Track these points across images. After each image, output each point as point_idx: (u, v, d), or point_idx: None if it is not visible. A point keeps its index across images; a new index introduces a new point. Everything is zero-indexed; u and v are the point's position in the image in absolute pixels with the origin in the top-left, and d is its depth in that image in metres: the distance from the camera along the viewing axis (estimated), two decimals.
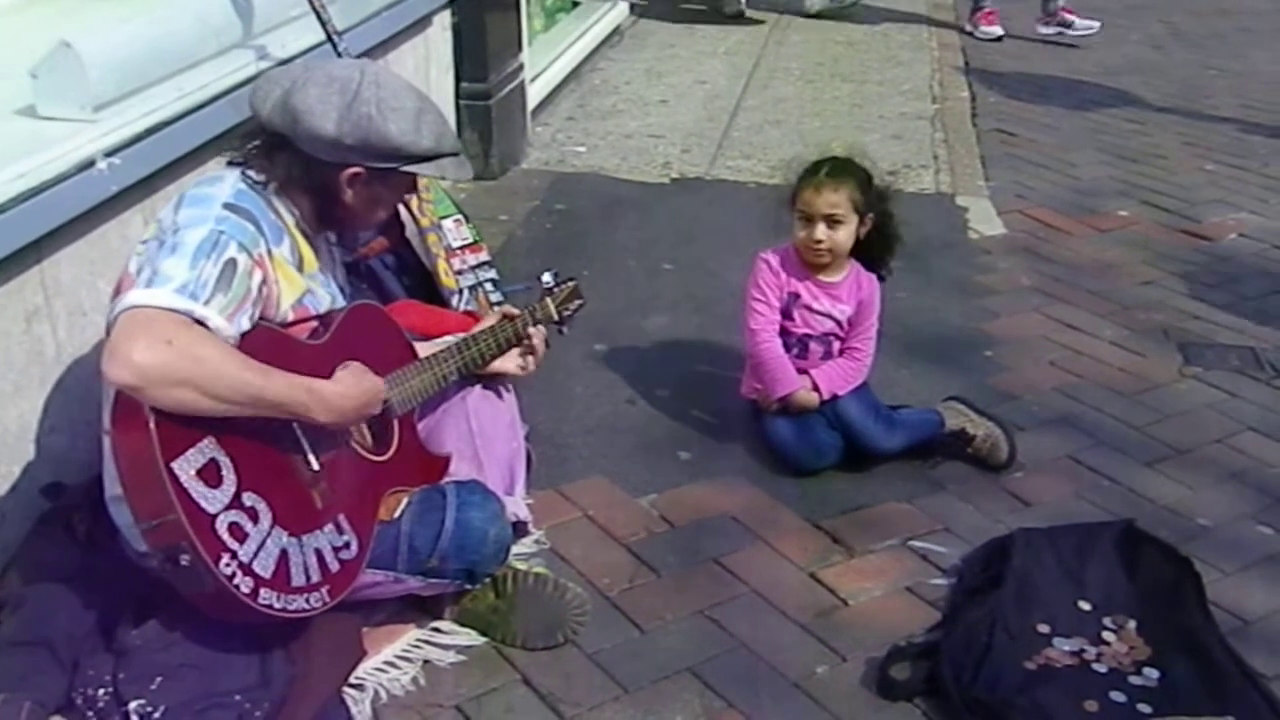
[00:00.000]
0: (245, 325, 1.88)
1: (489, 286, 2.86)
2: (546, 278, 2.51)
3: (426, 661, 2.16)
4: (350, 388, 1.99)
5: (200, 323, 1.79)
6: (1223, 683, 2.12)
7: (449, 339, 2.30)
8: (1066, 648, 2.21)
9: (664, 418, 2.96)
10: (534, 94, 4.77)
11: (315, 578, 1.92)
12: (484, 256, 2.88)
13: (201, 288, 1.81)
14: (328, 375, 1.99)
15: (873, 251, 2.82)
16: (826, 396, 2.77)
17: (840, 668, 2.19)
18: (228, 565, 1.80)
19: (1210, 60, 6.35)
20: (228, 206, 1.92)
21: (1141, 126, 5.26)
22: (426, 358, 2.21)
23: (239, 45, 2.79)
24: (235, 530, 1.82)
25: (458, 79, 4.19)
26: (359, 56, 2.75)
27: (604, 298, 3.38)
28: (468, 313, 2.70)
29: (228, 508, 1.82)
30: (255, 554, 1.84)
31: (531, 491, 2.50)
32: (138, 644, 1.94)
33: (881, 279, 2.87)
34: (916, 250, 2.98)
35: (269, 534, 1.87)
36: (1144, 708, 2.08)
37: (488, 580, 2.20)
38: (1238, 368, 3.29)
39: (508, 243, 3.84)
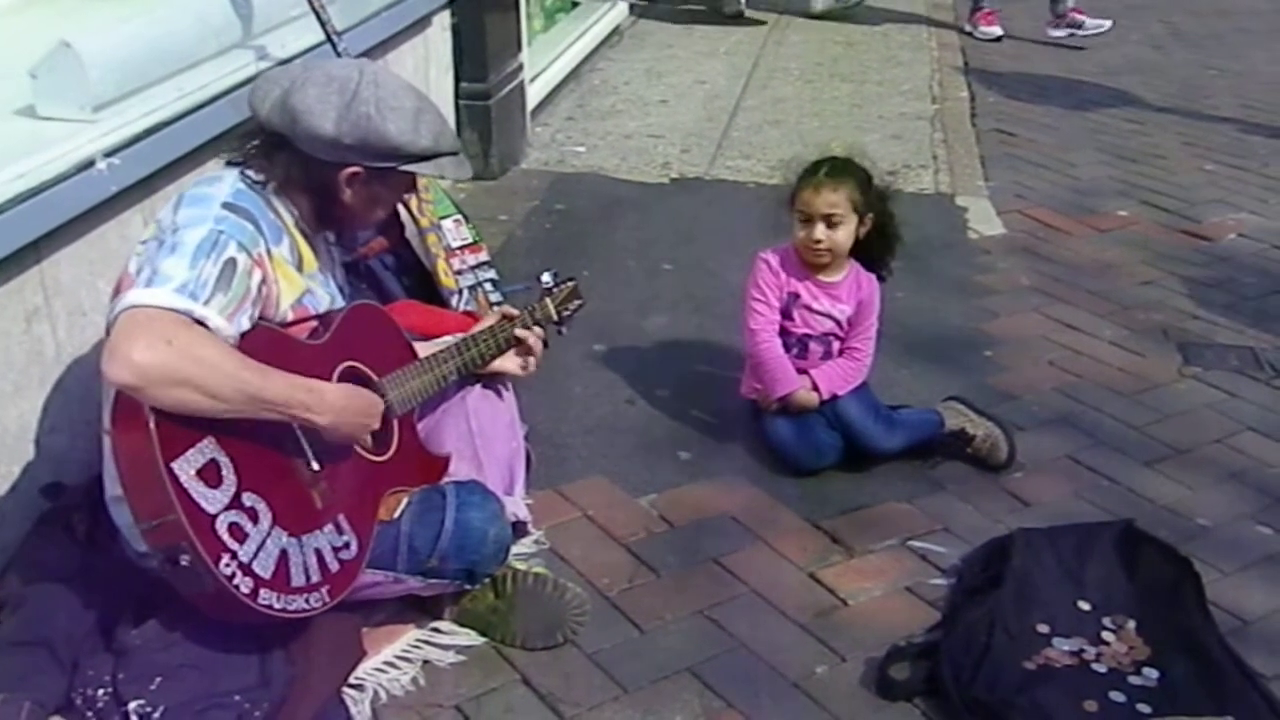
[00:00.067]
0: (245, 325, 1.88)
1: (488, 287, 2.86)
2: (546, 278, 2.51)
3: (426, 662, 2.16)
4: (351, 393, 1.99)
5: (200, 322, 1.79)
6: (1222, 683, 2.12)
7: (448, 339, 2.30)
8: (1066, 648, 2.21)
9: (663, 418, 2.96)
10: (533, 94, 4.78)
11: (315, 578, 1.92)
12: (483, 256, 2.88)
13: (201, 287, 1.81)
14: (327, 375, 1.99)
15: (873, 251, 2.82)
16: (826, 396, 2.77)
17: (840, 668, 2.20)
18: (227, 565, 1.80)
19: (1210, 60, 6.35)
20: (227, 206, 1.92)
21: (1141, 126, 5.26)
22: (426, 358, 2.21)
23: (239, 45, 2.79)
24: (235, 530, 1.82)
25: (457, 79, 4.19)
26: (358, 56, 2.75)
27: (603, 298, 3.38)
28: (467, 313, 2.70)
29: (227, 508, 1.82)
30: (255, 554, 1.84)
31: (531, 491, 2.50)
32: (137, 644, 1.94)
33: (881, 279, 2.87)
34: (916, 250, 2.98)
35: (269, 534, 1.87)
36: (1143, 708, 2.08)
37: (487, 580, 2.20)
38: (1237, 368, 3.29)
39: (507, 243, 3.84)
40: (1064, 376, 3.23)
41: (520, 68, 4.52)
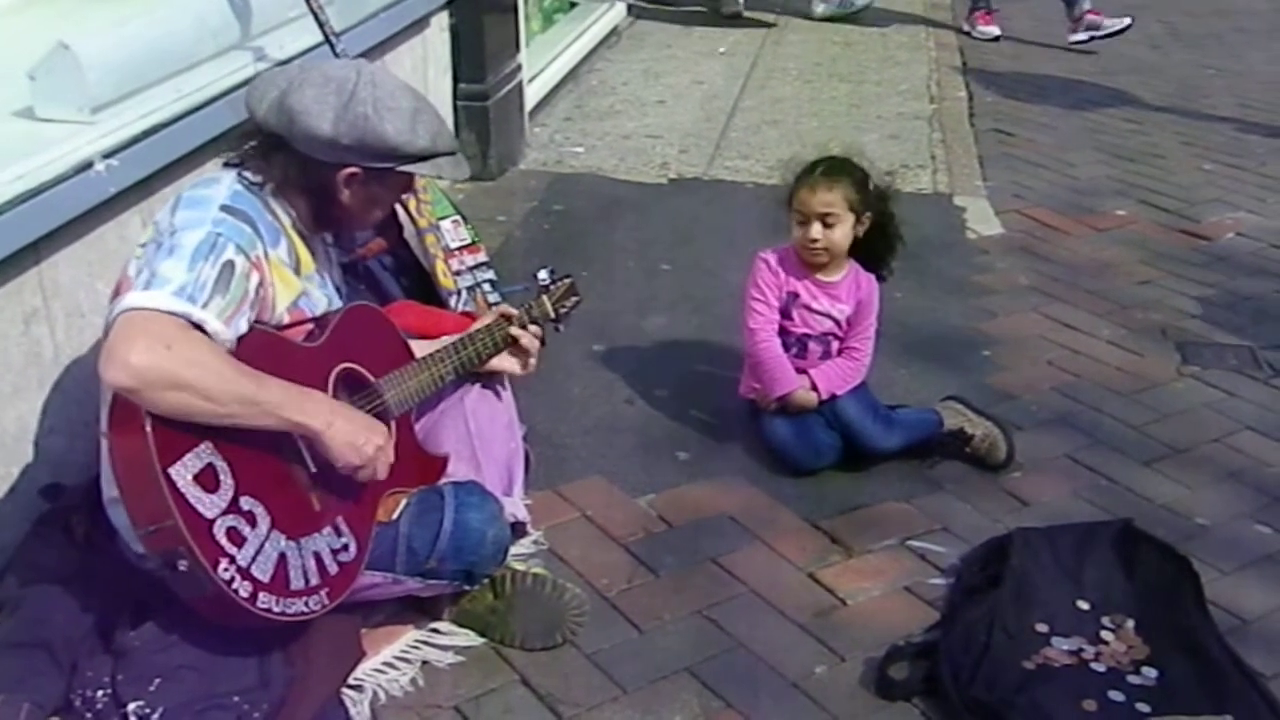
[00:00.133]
0: (243, 328, 1.87)
1: (487, 287, 2.85)
2: (542, 275, 2.50)
3: (425, 662, 2.16)
4: (350, 408, 1.99)
5: (198, 326, 1.79)
6: (1221, 682, 2.12)
7: (446, 339, 2.30)
8: (1065, 647, 2.21)
9: (662, 418, 2.96)
10: (532, 95, 4.78)
11: (314, 580, 1.92)
12: (482, 257, 2.88)
13: (200, 290, 1.81)
14: (324, 377, 1.99)
15: (874, 251, 2.82)
16: (825, 396, 2.77)
17: (839, 668, 2.20)
18: (226, 570, 1.80)
19: (1208, 60, 6.36)
20: (225, 208, 1.92)
21: (1139, 126, 5.27)
22: (423, 358, 2.20)
23: (237, 46, 2.79)
24: (233, 535, 1.82)
25: (455, 80, 4.19)
26: (357, 57, 2.75)
27: (602, 298, 3.38)
28: (466, 313, 2.70)
29: (225, 512, 1.82)
30: (253, 558, 1.84)
31: (530, 492, 2.50)
32: (136, 645, 1.94)
33: (881, 279, 2.87)
34: (914, 250, 2.98)
35: (267, 538, 1.87)
36: (1142, 707, 2.08)
37: (486, 581, 2.20)
38: (1235, 367, 3.29)
39: (506, 243, 3.84)
40: (1062, 376, 3.23)
41: (518, 68, 4.52)
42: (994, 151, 4.89)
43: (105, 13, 2.65)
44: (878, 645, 2.22)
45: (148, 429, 1.75)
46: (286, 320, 2.00)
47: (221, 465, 1.83)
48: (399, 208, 2.70)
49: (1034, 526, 2.52)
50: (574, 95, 5.32)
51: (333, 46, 2.75)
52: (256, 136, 2.01)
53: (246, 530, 1.84)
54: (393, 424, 2.13)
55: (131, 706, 1.87)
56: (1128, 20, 6.22)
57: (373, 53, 3.34)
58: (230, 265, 1.86)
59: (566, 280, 2.54)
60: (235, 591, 1.80)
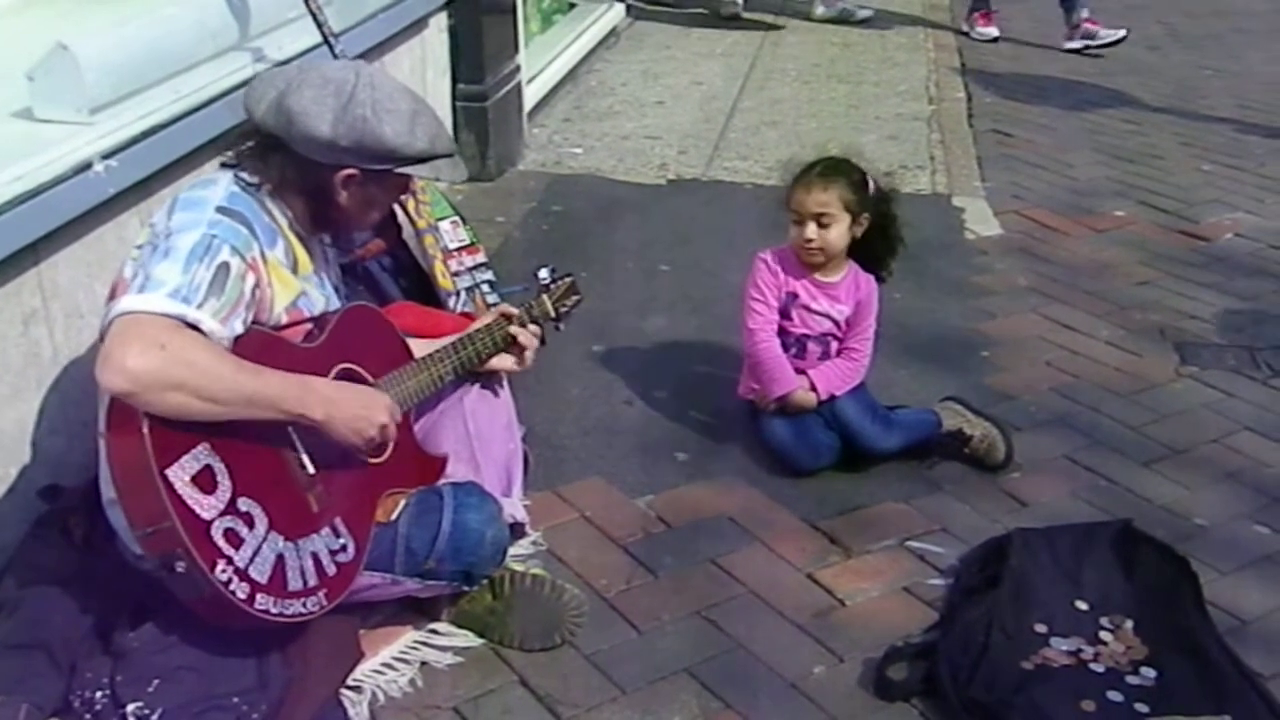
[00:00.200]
0: (239, 329, 1.87)
1: (486, 288, 2.85)
2: (543, 274, 2.50)
3: (424, 663, 2.16)
4: (344, 387, 1.99)
5: (194, 327, 1.79)
6: (1220, 682, 2.13)
7: (446, 339, 2.30)
8: (1064, 647, 2.21)
9: (661, 419, 2.96)
10: (530, 96, 4.78)
11: (312, 581, 1.92)
12: (481, 258, 2.88)
13: (194, 292, 1.81)
14: (323, 378, 1.99)
15: (873, 253, 2.82)
16: (824, 396, 2.77)
17: (837, 668, 2.20)
18: (224, 571, 1.80)
19: (1206, 61, 6.36)
20: (221, 210, 1.92)
21: (1138, 127, 5.27)
22: (422, 358, 2.20)
23: (236, 47, 2.79)
24: (231, 536, 1.82)
25: (454, 81, 4.19)
26: (355, 58, 2.75)
27: (601, 299, 3.38)
28: (464, 314, 2.70)
29: (223, 514, 1.82)
30: (251, 559, 1.84)
31: (529, 493, 2.50)
32: (135, 646, 1.94)
33: (881, 280, 2.87)
34: (913, 251, 2.99)
35: (265, 539, 1.87)
36: (1141, 707, 2.08)
37: (485, 582, 2.20)
38: (1234, 367, 3.29)
39: (505, 244, 3.84)
40: (1061, 377, 3.23)
41: (517, 69, 4.52)
42: (993, 152, 4.90)
43: (104, 14, 2.65)
44: (876, 646, 2.22)
45: (145, 430, 1.75)
46: (285, 321, 2.00)
47: (219, 466, 1.83)
48: (398, 209, 2.70)
49: (1033, 527, 2.52)
50: (573, 96, 5.32)
51: (331, 48, 2.75)
52: (254, 137, 2.01)
53: (244, 531, 1.84)
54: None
55: (130, 708, 1.87)
56: (1123, 32, 6.25)
57: (371, 54, 3.34)
58: (225, 267, 1.86)
59: (567, 279, 2.54)
60: (233, 593, 1.80)
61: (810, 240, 2.71)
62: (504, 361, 2.34)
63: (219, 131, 2.47)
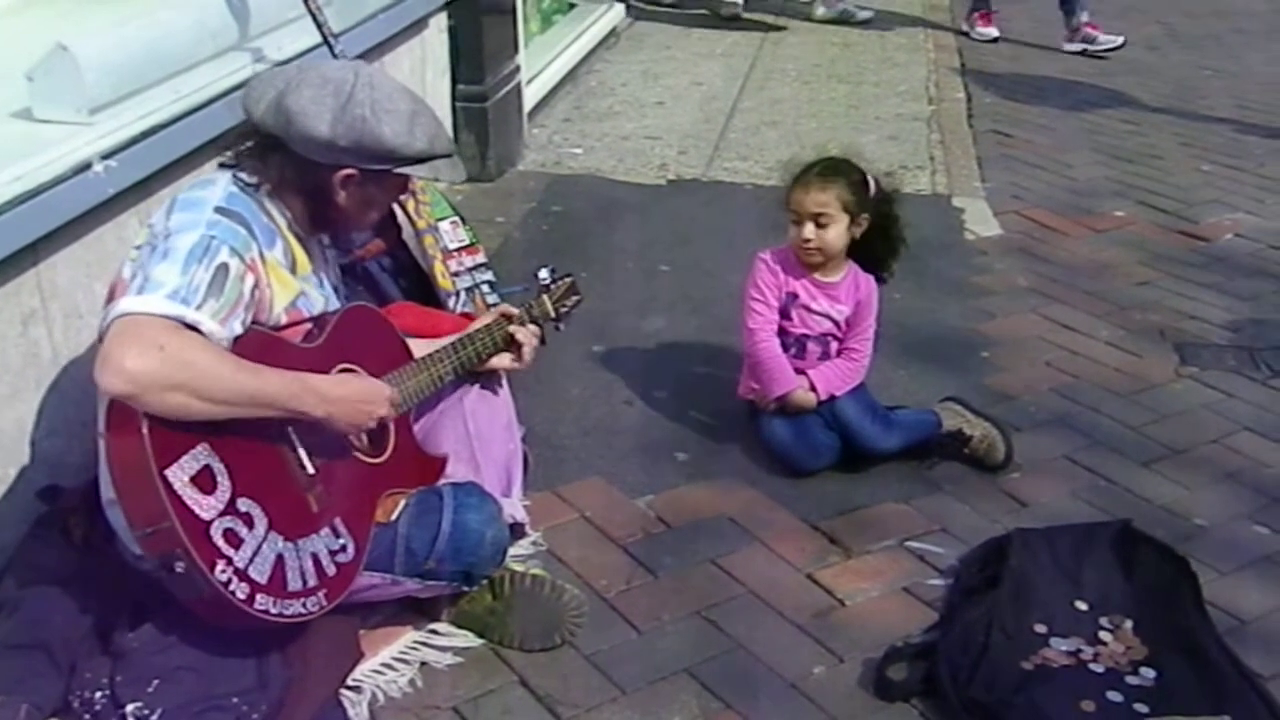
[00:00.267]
0: (238, 329, 1.87)
1: (486, 288, 2.85)
2: (543, 274, 2.50)
3: (424, 663, 2.16)
4: (348, 382, 1.99)
5: (193, 327, 1.79)
6: (1219, 682, 2.13)
7: (445, 339, 2.30)
8: (1063, 648, 2.21)
9: (661, 419, 2.96)
10: (530, 96, 4.78)
11: (312, 582, 1.92)
12: (481, 258, 2.88)
13: (193, 293, 1.80)
14: None
15: (874, 253, 2.82)
16: (824, 397, 2.77)
17: (837, 668, 2.20)
18: (223, 572, 1.79)
19: (1206, 61, 6.36)
20: (219, 210, 1.92)
21: (1137, 127, 5.27)
22: (422, 358, 2.20)
23: (236, 48, 2.79)
24: (230, 537, 1.82)
25: (454, 81, 4.19)
26: (355, 58, 2.75)
27: (601, 299, 3.38)
28: (464, 314, 2.70)
29: (222, 514, 1.82)
30: (251, 560, 1.84)
31: (528, 493, 2.50)
32: (134, 646, 1.94)
33: (882, 281, 2.87)
34: (913, 251, 2.98)
35: (264, 539, 1.87)
36: (1141, 707, 2.08)
37: (485, 582, 2.20)
38: (1234, 368, 3.29)
39: (504, 244, 3.84)
40: (1061, 377, 3.23)
41: (517, 70, 4.52)
42: (992, 153, 4.90)
43: (104, 14, 2.65)
44: (876, 646, 2.22)
45: (144, 431, 1.75)
46: (284, 321, 2.00)
47: (219, 466, 1.83)
48: (398, 209, 2.70)
49: (1032, 527, 2.52)
50: (573, 96, 5.32)
51: (331, 48, 2.75)
52: (253, 137, 2.01)
53: (244, 532, 1.84)
54: (391, 424, 2.13)
55: (130, 708, 1.87)
56: (1121, 39, 6.26)
57: (371, 54, 3.34)
58: (224, 268, 1.85)
59: (567, 279, 2.54)
60: (233, 593, 1.80)
61: (808, 240, 2.71)
62: (502, 360, 2.34)
63: (219, 132, 2.46)
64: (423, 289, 2.76)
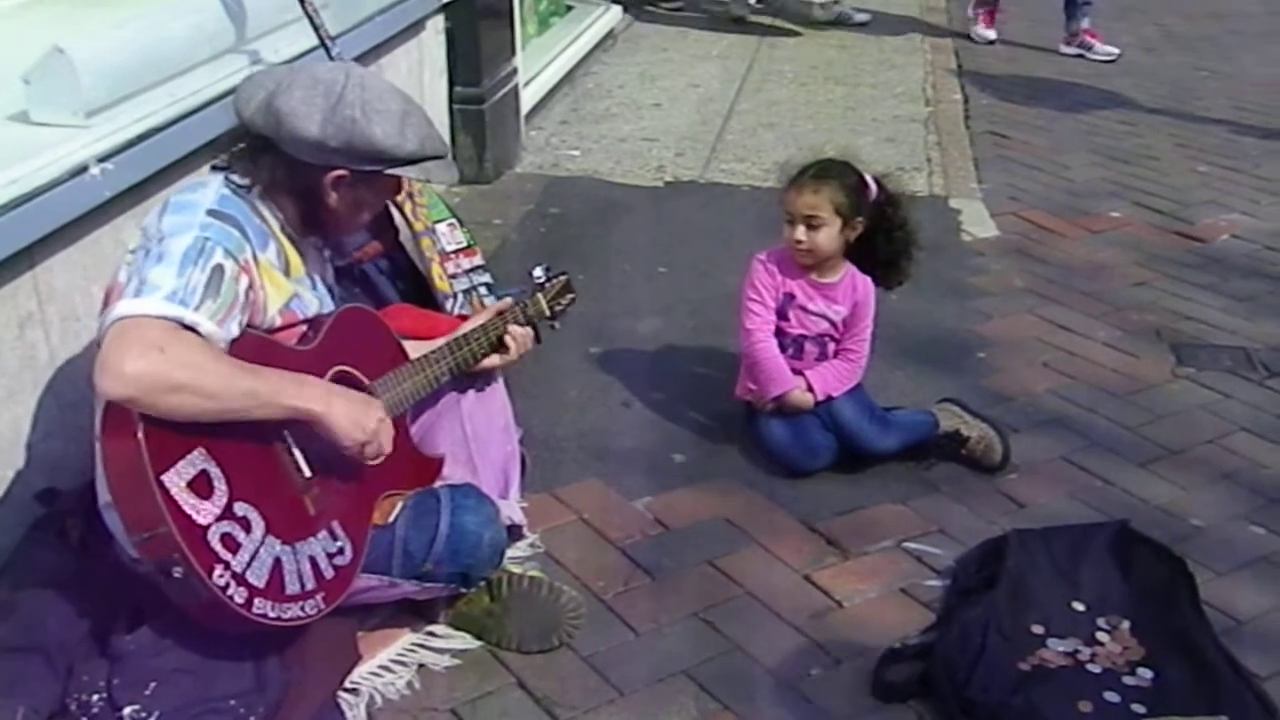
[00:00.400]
0: (234, 331, 1.87)
1: (484, 290, 2.85)
2: (537, 272, 2.49)
3: (421, 665, 2.16)
4: (347, 390, 1.99)
5: (191, 328, 1.79)
6: (1216, 683, 2.13)
7: (441, 340, 2.30)
8: (1061, 648, 2.21)
9: (658, 420, 2.97)
10: (527, 98, 4.78)
11: (310, 585, 1.92)
12: (478, 260, 2.88)
13: (190, 294, 1.80)
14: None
15: (876, 257, 2.81)
16: (821, 398, 2.77)
17: (835, 669, 2.20)
18: (221, 576, 1.79)
19: (1202, 62, 6.37)
20: (212, 213, 1.91)
21: (1134, 128, 5.28)
22: (418, 359, 2.20)
23: (232, 50, 2.79)
24: (228, 541, 1.82)
25: (451, 83, 4.19)
26: (352, 61, 2.75)
27: (598, 301, 3.38)
28: (462, 316, 2.70)
29: (219, 519, 1.81)
30: (248, 564, 1.84)
31: (526, 495, 2.49)
32: (132, 649, 1.94)
33: (888, 287, 2.87)
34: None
35: (262, 543, 1.87)
36: (1138, 708, 2.08)
37: (482, 584, 2.20)
38: (1230, 368, 3.30)
39: (502, 247, 3.84)
40: (1058, 378, 3.23)
41: (514, 72, 4.52)
42: (989, 154, 4.90)
43: (100, 17, 2.65)
44: (874, 647, 2.22)
45: (140, 436, 1.75)
46: (279, 323, 1.99)
47: (215, 471, 1.83)
48: (395, 211, 2.70)
49: (1030, 528, 2.52)
50: (570, 98, 5.32)
51: (328, 50, 2.75)
52: (244, 139, 2.00)
53: (241, 536, 1.84)
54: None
55: (127, 711, 1.87)
56: (1116, 52, 6.27)
57: (368, 56, 3.34)
58: (220, 269, 1.85)
59: (562, 277, 2.54)
60: (230, 598, 1.80)
61: (800, 242, 2.72)
62: (492, 359, 2.33)
63: (215, 135, 2.45)
64: (420, 291, 2.76)
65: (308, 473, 1.96)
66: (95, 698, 1.90)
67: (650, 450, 2.84)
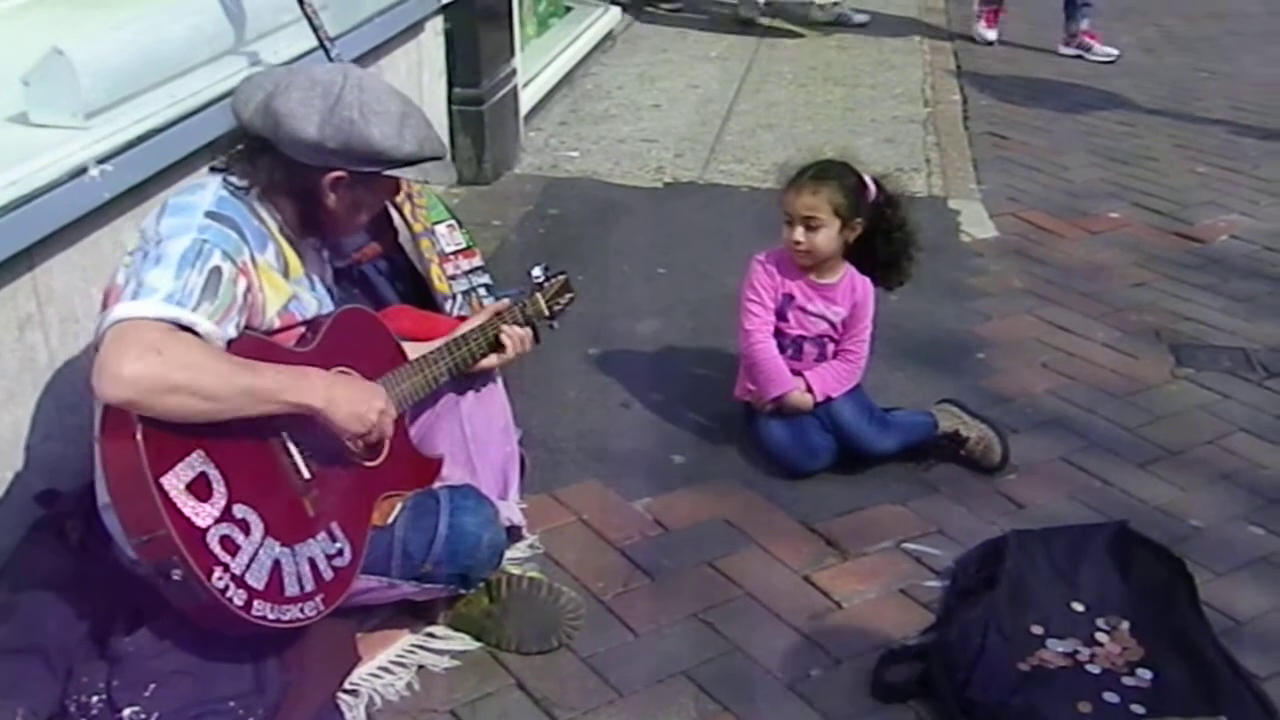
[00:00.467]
0: (232, 332, 1.87)
1: (483, 291, 2.85)
2: (536, 272, 2.49)
3: (421, 667, 2.16)
4: (346, 380, 1.99)
5: (189, 329, 1.79)
6: (1215, 683, 2.13)
7: (440, 340, 2.30)
8: (1060, 649, 2.21)
9: (658, 421, 2.97)
10: (526, 99, 4.78)
11: (309, 587, 1.92)
12: (477, 261, 2.88)
13: (188, 295, 1.80)
14: None
15: (876, 258, 2.81)
16: (820, 398, 2.77)
17: (834, 670, 2.20)
18: (220, 579, 1.79)
19: (1201, 63, 6.38)
20: (210, 215, 1.91)
21: (1133, 129, 5.28)
22: (416, 360, 2.19)
23: (231, 52, 2.79)
24: (227, 543, 1.82)
25: (450, 84, 4.19)
26: (351, 62, 2.75)
27: (597, 302, 3.39)
28: (461, 318, 2.69)
29: (218, 521, 1.81)
30: (248, 566, 1.84)
31: (525, 496, 2.50)
32: (131, 651, 1.94)
33: (889, 289, 2.87)
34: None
35: (261, 545, 1.87)
36: (1137, 708, 2.08)
37: (481, 585, 2.20)
38: (1229, 369, 3.30)
39: (501, 248, 3.84)
40: (1057, 378, 3.24)
41: (513, 73, 4.52)
42: (988, 155, 4.91)
43: (99, 18, 2.65)
44: (873, 648, 2.22)
45: (139, 438, 1.75)
46: (277, 325, 1.99)
47: (214, 473, 1.83)
48: (394, 212, 2.70)
49: (1029, 529, 2.52)
50: (569, 99, 5.32)
51: (327, 52, 2.76)
52: (242, 140, 2.00)
53: (240, 538, 1.84)
54: None
55: (126, 712, 1.87)
56: (1115, 54, 6.28)
57: (367, 58, 3.34)
58: (217, 271, 1.85)
59: (560, 277, 2.53)
60: (230, 600, 1.80)
61: (798, 243, 2.72)
62: (490, 359, 2.33)
63: (214, 136, 2.45)
64: (420, 292, 2.76)
65: (307, 474, 1.96)
66: (95, 699, 1.90)
67: (649, 451, 2.84)
